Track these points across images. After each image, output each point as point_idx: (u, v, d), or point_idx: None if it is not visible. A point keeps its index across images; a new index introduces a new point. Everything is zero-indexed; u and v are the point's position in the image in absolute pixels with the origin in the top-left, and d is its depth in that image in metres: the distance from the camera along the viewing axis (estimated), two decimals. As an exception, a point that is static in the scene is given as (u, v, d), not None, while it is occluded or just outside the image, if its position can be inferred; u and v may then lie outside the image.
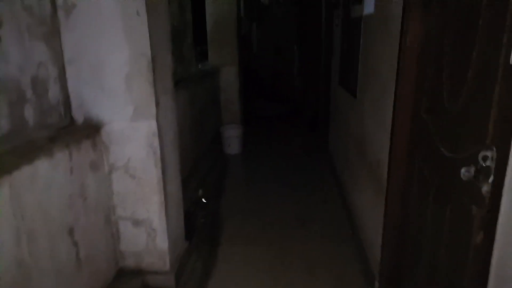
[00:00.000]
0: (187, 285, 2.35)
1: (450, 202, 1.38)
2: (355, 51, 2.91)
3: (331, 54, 4.60)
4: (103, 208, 1.99)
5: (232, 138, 5.17)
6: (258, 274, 2.60)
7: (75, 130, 1.87)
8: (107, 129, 1.96)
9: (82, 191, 1.77)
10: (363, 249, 2.65)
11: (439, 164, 1.48)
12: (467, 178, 1.14)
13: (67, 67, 1.86)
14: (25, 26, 1.59)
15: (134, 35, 1.81)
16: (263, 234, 3.11)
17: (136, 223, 2.12)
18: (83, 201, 1.78)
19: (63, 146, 1.64)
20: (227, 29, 5.47)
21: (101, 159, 1.97)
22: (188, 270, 2.44)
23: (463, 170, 1.13)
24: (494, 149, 1.02)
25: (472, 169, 1.11)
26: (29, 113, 1.63)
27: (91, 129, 1.91)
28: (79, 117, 1.95)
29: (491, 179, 1.03)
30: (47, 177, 1.51)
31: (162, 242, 2.15)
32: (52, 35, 1.77)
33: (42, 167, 1.48)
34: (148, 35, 1.80)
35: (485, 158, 1.05)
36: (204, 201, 3.64)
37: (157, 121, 1.96)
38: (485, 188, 1.05)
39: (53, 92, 1.79)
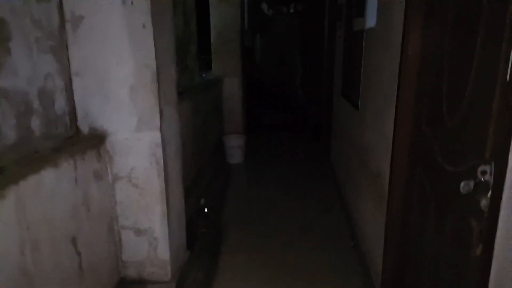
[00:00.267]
0: (189, 295, 2.35)
1: (450, 214, 1.39)
2: (357, 63, 2.95)
3: (333, 65, 4.64)
4: (106, 218, 2.01)
5: (235, 148, 5.20)
6: (260, 284, 2.60)
7: (80, 141, 1.89)
8: (111, 140, 1.99)
9: (85, 200, 1.79)
10: (365, 260, 2.65)
11: (439, 176, 1.49)
12: (467, 192, 1.15)
13: (74, 78, 1.89)
14: (34, 39, 1.63)
15: (140, 48, 1.85)
16: (264, 243, 3.11)
17: (138, 232, 2.14)
18: (86, 211, 1.80)
19: (68, 156, 1.66)
20: (231, 40, 5.54)
21: (105, 169, 1.99)
22: (189, 280, 2.44)
23: (462, 183, 1.15)
24: (493, 163, 1.04)
25: (471, 183, 1.13)
26: (35, 123, 1.66)
27: (96, 140, 1.94)
28: (84, 128, 1.98)
29: (489, 193, 1.05)
30: (52, 187, 1.53)
31: (163, 252, 2.17)
32: (60, 47, 1.81)
33: (47, 177, 1.50)
34: (153, 47, 1.84)
35: (483, 173, 1.07)
36: (206, 210, 3.66)
37: (161, 131, 1.98)
38: (484, 202, 1.06)
39: (60, 103, 1.82)
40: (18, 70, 1.55)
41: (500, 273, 1.02)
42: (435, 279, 1.52)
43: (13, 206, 1.31)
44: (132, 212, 2.10)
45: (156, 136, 1.97)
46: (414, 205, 1.79)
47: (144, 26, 1.82)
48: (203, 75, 5.10)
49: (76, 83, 1.91)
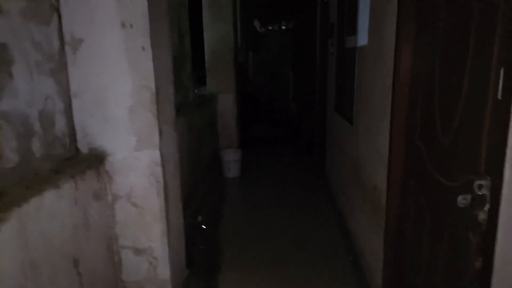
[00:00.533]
0: (189, 314, 2.33)
1: (447, 228, 1.42)
2: (350, 79, 3.01)
3: (326, 81, 4.72)
4: (105, 237, 2.01)
5: (231, 162, 5.24)
6: (259, 302, 2.59)
7: (80, 161, 1.90)
8: (110, 159, 2.00)
9: (85, 221, 1.79)
10: (364, 273, 2.66)
11: (434, 191, 1.53)
12: (464, 206, 1.18)
13: (73, 100, 1.91)
14: (34, 62, 1.65)
15: (139, 69, 1.88)
16: (262, 259, 3.11)
17: (138, 252, 2.13)
18: (86, 231, 1.80)
19: (69, 177, 1.67)
20: (224, 57, 5.61)
21: (104, 189, 1.99)
22: (189, 299, 2.43)
23: (459, 198, 1.18)
24: (488, 178, 1.07)
25: (469, 197, 1.16)
26: (36, 145, 1.66)
27: (95, 160, 1.95)
28: (83, 148, 1.99)
29: (486, 206, 1.08)
30: (53, 208, 1.54)
31: (163, 271, 2.16)
32: (59, 70, 1.83)
33: (48, 198, 1.50)
34: (152, 69, 1.87)
35: (480, 187, 1.10)
36: (204, 227, 3.65)
37: (160, 150, 2.00)
38: (482, 216, 1.10)
39: (59, 125, 1.84)
40: (19, 93, 1.56)
41: (500, 286, 1.05)
42: (435, 292, 1.54)
43: (15, 228, 1.31)
44: (132, 232, 2.09)
45: (156, 155, 1.99)
46: (410, 219, 1.82)
47: (143, 48, 1.85)
48: (197, 91, 5.14)
49: (76, 104, 1.93)
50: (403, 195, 1.89)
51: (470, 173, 1.20)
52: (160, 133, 2.00)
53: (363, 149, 2.67)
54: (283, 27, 8.43)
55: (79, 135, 1.97)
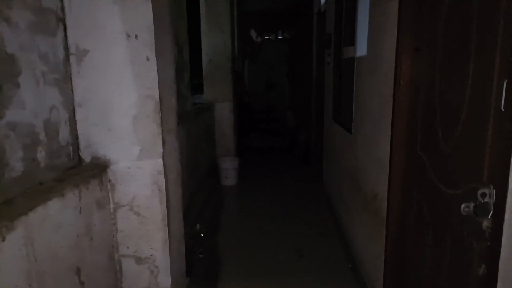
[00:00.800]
0: (190, 324, 2.33)
1: (449, 235, 1.44)
2: (349, 89, 3.05)
3: (322, 90, 4.77)
4: (107, 246, 2.01)
5: (229, 170, 5.26)
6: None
7: (83, 170, 1.91)
8: (113, 169, 2.01)
9: (88, 230, 1.79)
10: (364, 282, 2.67)
11: (436, 199, 1.55)
12: (467, 213, 1.21)
13: (77, 109, 1.93)
14: (40, 73, 1.66)
15: (143, 79, 1.90)
16: (261, 268, 3.10)
17: (139, 260, 2.13)
18: (89, 240, 1.80)
19: (73, 186, 1.67)
20: (221, 66, 5.66)
21: (106, 198, 2.00)
22: (190, 308, 2.42)
23: (463, 206, 1.21)
24: (492, 186, 1.10)
25: (472, 205, 1.19)
26: (41, 155, 1.67)
27: (98, 169, 1.95)
28: (86, 157, 2.00)
29: (490, 214, 1.11)
30: (58, 217, 1.54)
31: (164, 280, 2.16)
32: (64, 80, 1.85)
33: (53, 207, 1.51)
34: (156, 79, 1.89)
35: (483, 195, 1.13)
36: (202, 235, 3.65)
37: (163, 159, 2.01)
38: (486, 223, 1.12)
39: (63, 134, 1.85)
40: (25, 103, 1.58)
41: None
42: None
43: (22, 237, 1.32)
44: (133, 240, 2.10)
45: (159, 164, 2.00)
46: (412, 227, 1.85)
47: (147, 58, 1.88)
48: (194, 99, 5.18)
49: (80, 114, 1.94)
50: (404, 204, 1.91)
51: (472, 182, 1.22)
52: (164, 143, 2.02)
53: (363, 158, 2.70)
54: (280, 37, 8.53)
55: (82, 145, 1.98)
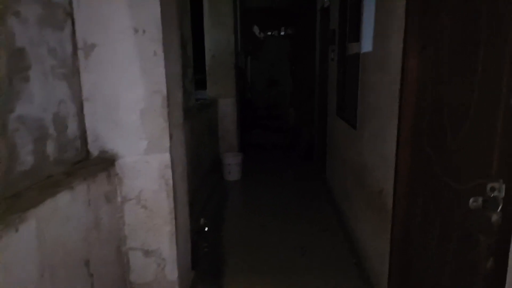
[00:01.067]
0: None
1: (455, 230, 1.46)
2: (353, 86, 3.05)
3: (326, 86, 4.77)
4: (114, 239, 2.03)
5: (232, 165, 5.29)
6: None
7: (91, 164, 1.93)
8: (121, 162, 2.02)
9: (97, 223, 1.81)
10: (369, 277, 2.68)
11: (443, 194, 1.56)
12: (475, 208, 1.22)
13: (85, 104, 1.94)
14: (49, 67, 1.68)
15: (150, 74, 1.91)
16: (265, 264, 3.12)
17: (146, 253, 2.15)
18: (97, 233, 1.82)
19: (81, 179, 1.69)
20: (224, 63, 5.66)
21: (114, 191, 2.02)
22: (196, 301, 2.44)
23: (471, 200, 1.22)
24: (501, 180, 1.11)
25: (480, 199, 1.20)
26: (50, 148, 1.69)
27: (106, 163, 1.97)
28: (94, 151, 2.01)
29: (500, 208, 1.12)
30: (68, 210, 1.56)
31: (171, 273, 2.18)
32: (72, 74, 1.86)
33: (63, 200, 1.53)
34: (164, 73, 1.90)
35: (492, 189, 1.14)
36: (206, 229, 3.66)
37: (170, 154, 2.03)
38: (495, 217, 1.13)
39: (72, 128, 1.86)
40: (34, 97, 1.59)
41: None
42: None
43: (34, 230, 1.33)
44: (141, 234, 2.11)
45: (166, 158, 2.02)
46: (418, 222, 1.86)
47: (155, 53, 1.88)
48: (196, 95, 5.18)
49: (87, 108, 1.95)
50: (410, 199, 1.92)
51: (481, 176, 1.23)
52: (171, 137, 2.03)
53: (368, 153, 2.71)
54: (282, 33, 8.51)
55: (90, 138, 2.00)
